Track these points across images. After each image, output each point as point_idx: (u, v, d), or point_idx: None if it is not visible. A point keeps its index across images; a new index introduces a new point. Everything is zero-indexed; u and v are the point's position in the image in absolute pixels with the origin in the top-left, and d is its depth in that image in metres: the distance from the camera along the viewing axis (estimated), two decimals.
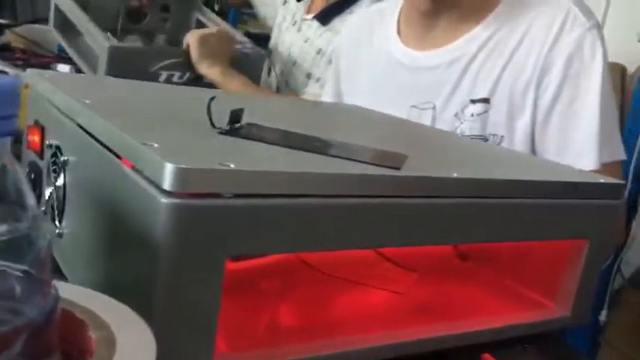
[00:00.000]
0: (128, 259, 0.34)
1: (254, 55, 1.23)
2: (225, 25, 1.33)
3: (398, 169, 0.38)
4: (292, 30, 1.45)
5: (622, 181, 0.50)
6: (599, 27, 0.77)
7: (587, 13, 0.77)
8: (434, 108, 0.83)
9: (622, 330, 1.50)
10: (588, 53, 0.75)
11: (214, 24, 1.35)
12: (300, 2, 1.46)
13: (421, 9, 0.83)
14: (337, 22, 1.39)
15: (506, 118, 0.77)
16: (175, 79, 1.09)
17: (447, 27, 0.83)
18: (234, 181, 0.31)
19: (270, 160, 0.37)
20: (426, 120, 0.84)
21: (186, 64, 1.08)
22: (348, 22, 1.10)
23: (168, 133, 0.39)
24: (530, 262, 0.52)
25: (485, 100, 0.79)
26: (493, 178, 0.42)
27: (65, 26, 1.16)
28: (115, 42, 1.00)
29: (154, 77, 1.04)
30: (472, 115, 0.80)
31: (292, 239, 0.34)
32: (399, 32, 0.90)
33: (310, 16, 1.44)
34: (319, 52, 1.37)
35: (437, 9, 0.82)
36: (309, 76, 1.38)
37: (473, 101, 0.80)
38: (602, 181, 0.48)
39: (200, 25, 1.38)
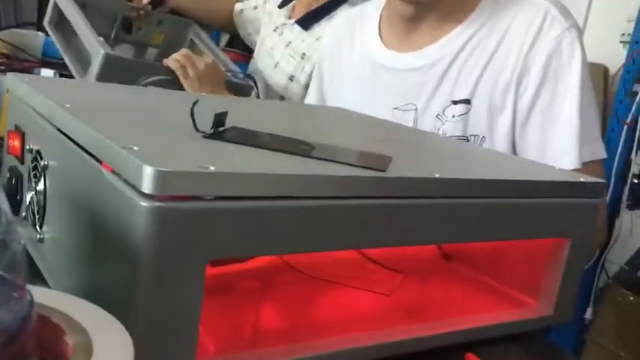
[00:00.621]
0: (108, 263, 0.34)
1: (243, 85, 1.24)
2: (217, 51, 1.34)
3: (383, 171, 0.38)
4: (274, 35, 1.47)
5: (602, 180, 0.50)
6: (577, 27, 0.78)
7: (566, 13, 0.78)
8: (416, 109, 0.83)
9: (607, 328, 1.52)
10: (567, 53, 0.75)
11: (207, 47, 1.35)
12: (281, 9, 1.49)
13: (404, 15, 0.84)
14: (318, 29, 1.42)
15: (486, 119, 0.78)
16: None
17: (428, 28, 0.84)
18: (215, 184, 0.31)
19: (252, 163, 0.37)
20: (408, 121, 0.84)
21: (174, 83, 1.07)
22: (329, 26, 1.11)
23: (150, 137, 0.39)
24: (513, 261, 0.53)
25: (466, 101, 0.79)
26: (475, 178, 0.43)
27: (60, 25, 1.16)
28: (108, 49, 0.99)
29: None
30: (453, 116, 0.80)
31: (275, 242, 0.34)
32: (380, 34, 0.90)
33: (292, 21, 1.46)
34: (303, 56, 1.39)
35: (419, 13, 0.82)
36: (291, 78, 1.39)
37: (454, 102, 0.80)
38: (582, 180, 0.49)
39: (193, 45, 1.38)
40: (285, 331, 0.42)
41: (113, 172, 0.33)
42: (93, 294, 0.35)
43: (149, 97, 0.63)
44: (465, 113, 0.79)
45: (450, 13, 0.82)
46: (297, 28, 1.42)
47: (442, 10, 0.82)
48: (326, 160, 0.39)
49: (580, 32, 0.78)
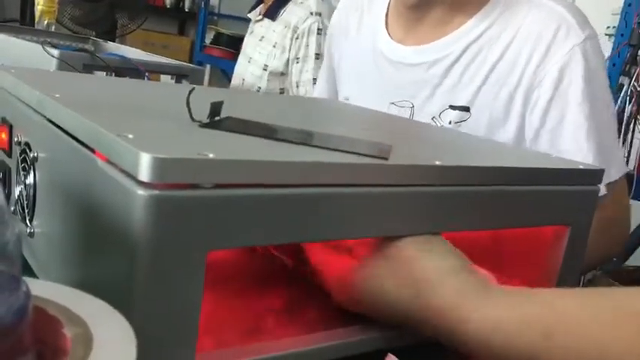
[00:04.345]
0: (104, 255, 0.33)
1: None
2: None
3: (385, 159, 0.37)
4: (248, 38, 1.58)
5: (601, 167, 0.50)
6: (594, 37, 0.71)
7: (582, 21, 0.72)
8: (412, 107, 0.80)
9: None
10: (581, 67, 0.69)
11: None
12: (251, 13, 1.59)
13: (407, 3, 0.79)
14: (285, 14, 1.51)
15: (485, 130, 0.73)
16: None
17: (435, 20, 0.78)
18: (214, 171, 0.30)
19: (252, 150, 0.36)
20: None
21: None
22: (339, 3, 1.06)
23: (144, 125, 0.38)
24: (512, 250, 0.52)
25: (465, 109, 0.75)
26: (475, 166, 0.42)
27: None
28: None
29: None
30: (450, 122, 0.76)
31: (276, 230, 0.33)
32: (387, 22, 0.84)
33: (260, 17, 1.54)
34: (275, 45, 1.47)
35: (424, 2, 0.77)
36: (265, 67, 1.49)
37: (452, 107, 0.76)
38: (581, 167, 0.49)
39: None
40: (282, 324, 0.41)
41: (108, 161, 0.32)
42: (88, 288, 0.33)
43: (140, 88, 0.62)
44: (463, 121, 0.75)
45: (457, 7, 0.76)
46: (267, 22, 1.50)
47: (449, 3, 0.76)
48: (327, 148, 0.38)
49: (597, 42, 0.72)
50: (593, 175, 0.49)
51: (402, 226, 0.39)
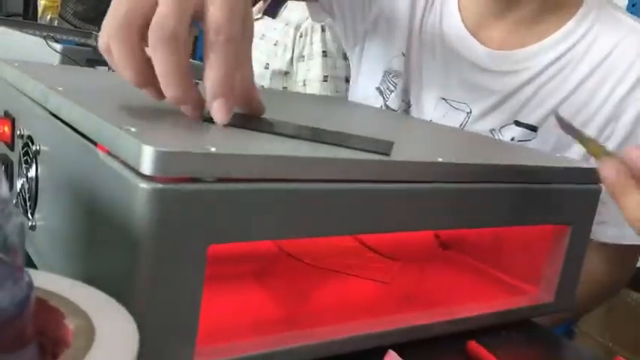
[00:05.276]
0: (106, 249, 0.33)
1: None
2: None
3: (387, 154, 0.37)
4: None
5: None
6: None
7: None
8: (469, 113, 0.71)
9: (595, 319, 1.53)
10: None
11: None
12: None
13: None
14: (286, 12, 1.49)
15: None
16: None
17: (520, 20, 0.69)
18: (216, 165, 0.30)
19: (255, 145, 0.36)
20: (453, 121, 0.71)
21: None
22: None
23: (147, 118, 0.38)
24: (513, 249, 0.52)
25: (532, 128, 0.68)
26: (477, 163, 0.42)
27: None
28: None
29: None
30: (512, 138, 0.68)
31: (278, 225, 0.33)
32: (459, 4, 0.73)
33: (260, 15, 1.52)
34: (276, 43, 1.46)
35: None
36: (266, 66, 1.47)
37: (517, 124, 0.69)
38: (583, 166, 0.49)
39: None
40: (283, 319, 0.41)
41: (110, 153, 0.32)
42: (89, 281, 0.33)
43: None
44: (527, 140, 0.68)
45: (554, 9, 0.67)
46: (268, 19, 1.49)
47: (541, 3, 0.67)
48: (329, 143, 0.38)
49: None
50: (594, 174, 0.49)
51: (404, 223, 0.39)
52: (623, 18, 0.70)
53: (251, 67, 0.41)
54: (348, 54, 0.89)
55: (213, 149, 0.30)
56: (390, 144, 0.40)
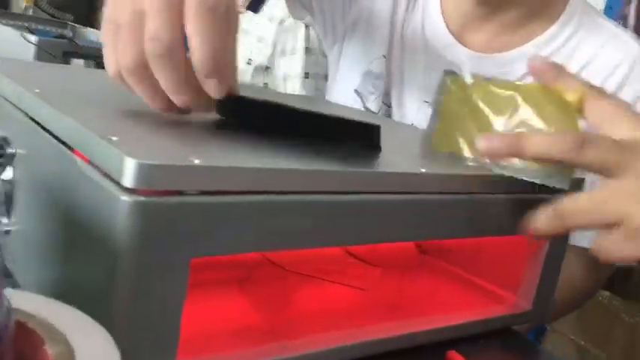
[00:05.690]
0: (84, 260, 0.32)
1: None
2: None
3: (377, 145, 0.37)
4: None
5: (582, 176, 0.50)
6: None
7: None
8: None
9: (567, 317, 1.56)
10: None
11: None
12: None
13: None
14: (267, 8, 1.49)
15: None
16: None
17: (505, 23, 0.69)
18: (200, 178, 0.30)
19: (239, 157, 0.35)
20: None
21: None
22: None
23: (129, 125, 0.37)
24: (492, 257, 0.53)
25: None
26: (457, 174, 0.42)
27: None
28: None
29: None
30: None
31: (261, 238, 0.33)
32: (442, 5, 0.73)
33: (243, 9, 1.51)
34: (260, 39, 1.46)
35: (506, 1, 0.67)
36: (249, 62, 1.47)
37: None
38: None
39: None
40: (266, 329, 0.41)
41: (90, 163, 0.31)
42: (67, 294, 0.33)
43: None
44: None
45: (539, 13, 0.68)
46: (250, 14, 1.49)
47: (525, 8, 0.67)
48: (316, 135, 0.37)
49: None
50: (574, 184, 0.49)
51: (385, 235, 0.39)
52: (606, 24, 0.71)
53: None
54: (326, 53, 0.88)
55: (197, 161, 0.30)
56: (378, 127, 0.40)
